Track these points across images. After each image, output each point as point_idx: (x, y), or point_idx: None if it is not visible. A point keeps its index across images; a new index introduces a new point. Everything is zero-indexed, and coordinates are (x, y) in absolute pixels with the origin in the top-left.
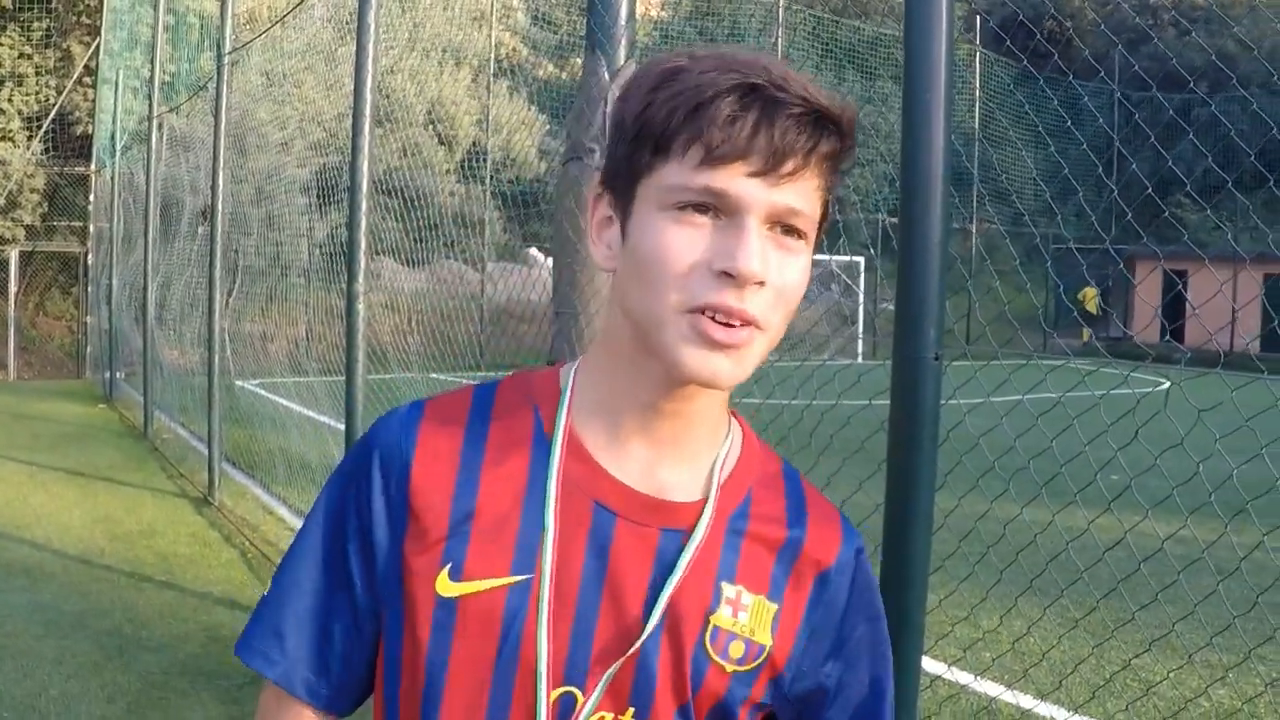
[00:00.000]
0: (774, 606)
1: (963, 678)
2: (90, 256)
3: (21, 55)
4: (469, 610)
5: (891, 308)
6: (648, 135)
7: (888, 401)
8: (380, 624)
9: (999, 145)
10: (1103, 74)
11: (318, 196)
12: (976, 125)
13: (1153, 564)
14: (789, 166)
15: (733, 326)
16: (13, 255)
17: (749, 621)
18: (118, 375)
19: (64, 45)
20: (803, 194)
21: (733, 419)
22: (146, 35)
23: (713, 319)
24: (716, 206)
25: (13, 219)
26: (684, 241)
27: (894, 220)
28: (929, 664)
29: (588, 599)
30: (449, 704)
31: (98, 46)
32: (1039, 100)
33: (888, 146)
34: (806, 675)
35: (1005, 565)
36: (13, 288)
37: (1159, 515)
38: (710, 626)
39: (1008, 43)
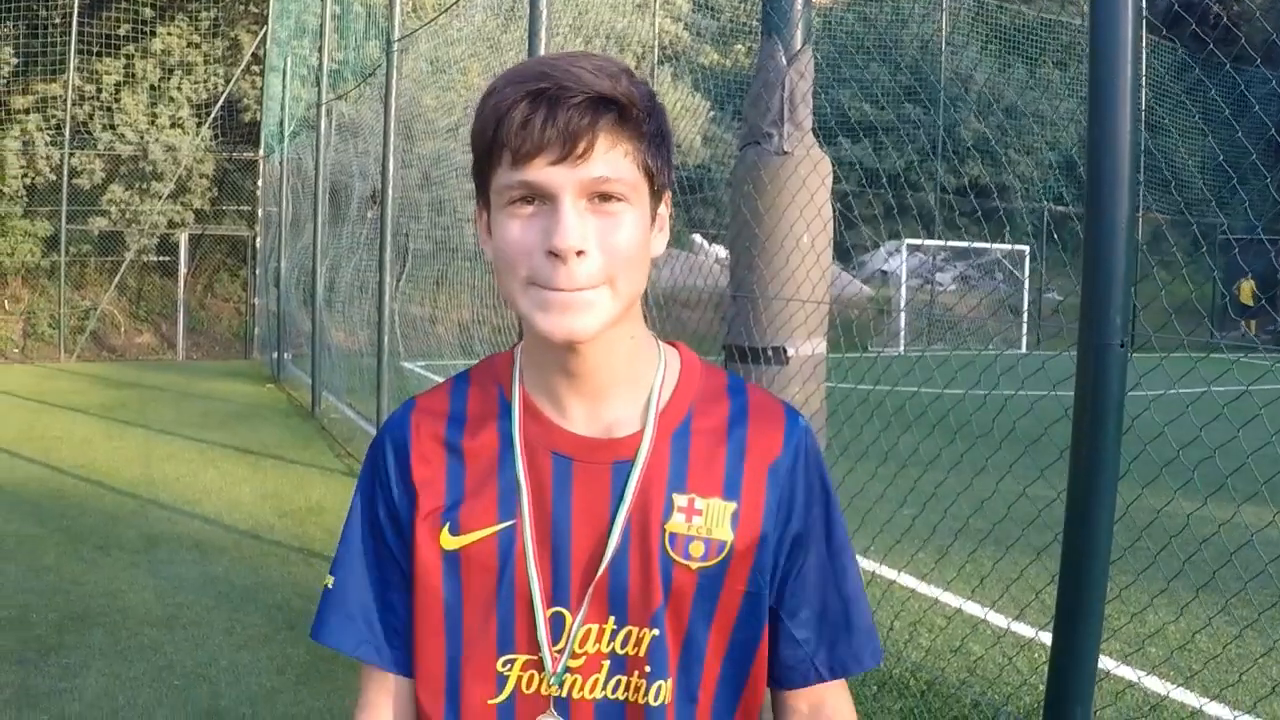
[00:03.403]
0: (732, 504)
1: (1132, 674)
2: (258, 240)
3: (190, 44)
4: (471, 556)
5: (1054, 296)
6: (479, 151)
7: (1067, 392)
8: None
9: (1161, 133)
10: (1266, 60)
11: None
12: (1141, 111)
13: None
14: (581, 146)
15: (569, 291)
16: (182, 238)
17: (704, 523)
18: (285, 356)
19: (231, 34)
20: (608, 163)
21: (668, 349)
22: (313, 24)
23: (551, 289)
24: (537, 195)
25: (182, 203)
26: (519, 230)
27: (1058, 208)
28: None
29: (562, 533)
30: (467, 633)
31: (265, 35)
32: (1203, 87)
33: (1053, 134)
34: (780, 553)
35: (1187, 558)
36: (182, 270)
37: None
38: (667, 534)
39: (1164, 25)
